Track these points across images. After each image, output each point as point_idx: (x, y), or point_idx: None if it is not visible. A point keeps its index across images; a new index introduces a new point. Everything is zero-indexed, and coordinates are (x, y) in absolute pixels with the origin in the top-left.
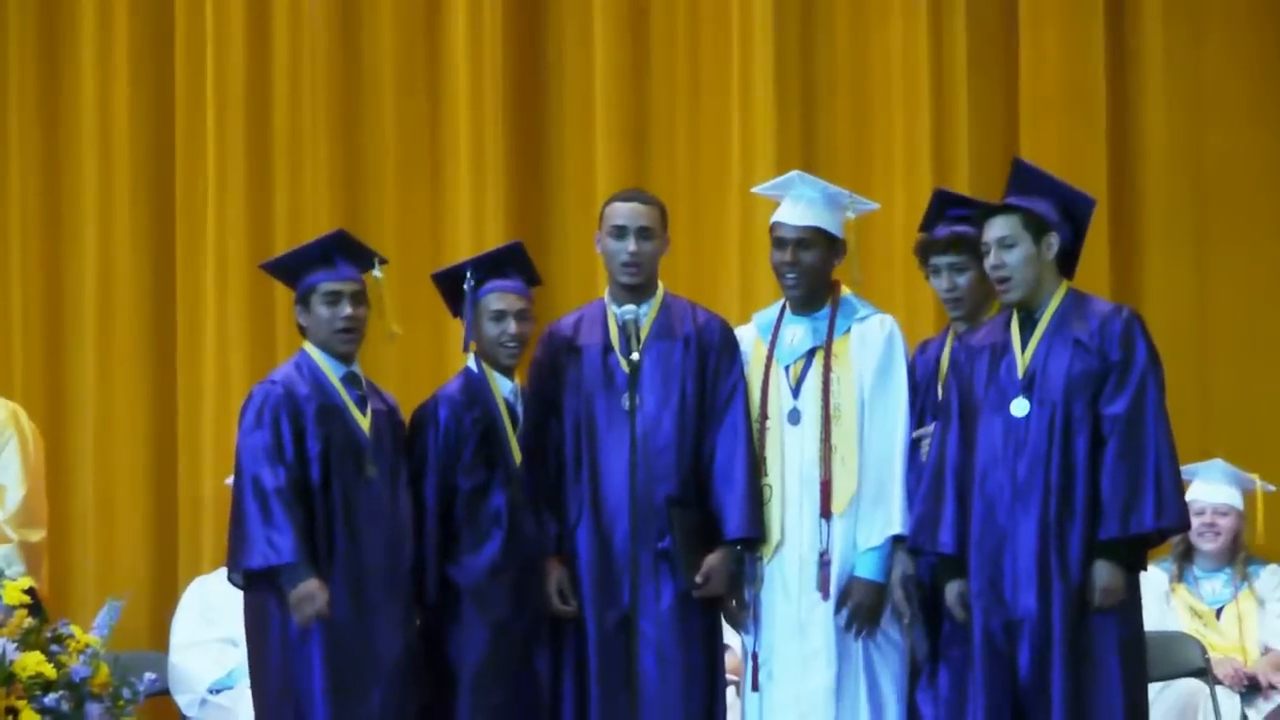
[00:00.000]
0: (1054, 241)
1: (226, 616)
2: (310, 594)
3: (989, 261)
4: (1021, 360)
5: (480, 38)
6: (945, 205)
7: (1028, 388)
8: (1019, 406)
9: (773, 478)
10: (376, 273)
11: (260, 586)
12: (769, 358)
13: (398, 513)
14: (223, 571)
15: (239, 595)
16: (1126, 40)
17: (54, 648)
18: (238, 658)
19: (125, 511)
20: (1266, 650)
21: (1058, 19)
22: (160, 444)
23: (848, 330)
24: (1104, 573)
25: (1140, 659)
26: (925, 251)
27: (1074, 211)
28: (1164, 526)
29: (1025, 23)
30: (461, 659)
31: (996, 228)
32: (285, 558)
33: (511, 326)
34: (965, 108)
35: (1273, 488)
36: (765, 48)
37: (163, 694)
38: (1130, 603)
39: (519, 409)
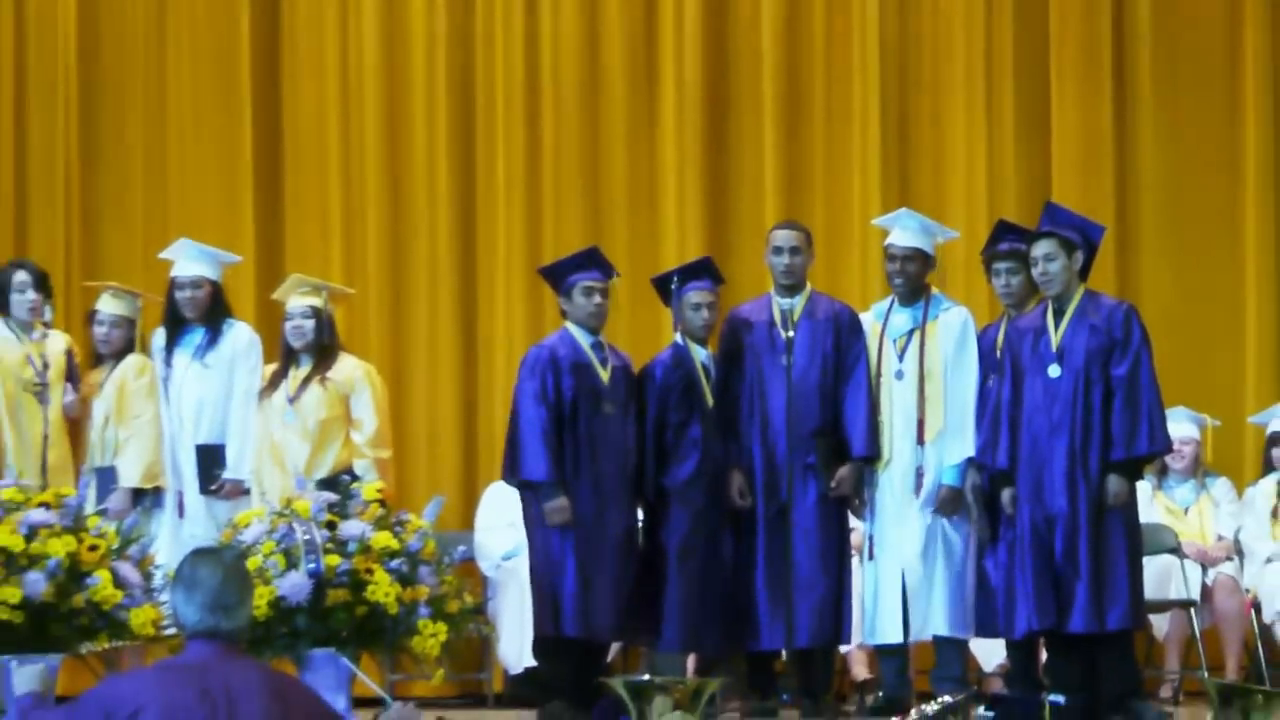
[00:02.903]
0: (1080, 257)
1: (511, 508)
2: (559, 508)
3: (1037, 270)
4: (1055, 339)
5: (684, 110)
6: (1004, 230)
7: (1059, 358)
8: (1053, 370)
9: (884, 416)
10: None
11: (525, 487)
12: (882, 335)
13: (626, 438)
14: None
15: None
16: (1126, 107)
17: (397, 529)
18: (520, 537)
19: (445, 438)
20: (1220, 538)
21: (1078, 97)
22: (468, 390)
23: (936, 318)
24: (1114, 483)
25: (1138, 541)
26: (990, 261)
27: (1090, 235)
28: (1155, 450)
29: (1055, 100)
30: (670, 539)
31: (1043, 247)
32: (540, 477)
33: (704, 314)
34: (1012, 162)
35: (1219, 423)
36: (874, 125)
37: (469, 561)
38: (1131, 503)
39: (711, 368)
